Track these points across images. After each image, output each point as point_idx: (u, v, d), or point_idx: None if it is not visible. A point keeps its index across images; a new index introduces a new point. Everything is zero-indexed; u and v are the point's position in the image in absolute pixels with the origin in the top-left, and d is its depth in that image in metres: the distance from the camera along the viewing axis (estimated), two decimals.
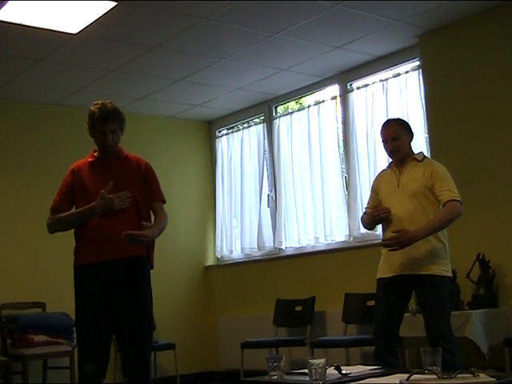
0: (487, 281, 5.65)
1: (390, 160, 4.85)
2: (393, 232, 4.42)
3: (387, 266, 4.58)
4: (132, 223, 4.02)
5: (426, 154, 6.20)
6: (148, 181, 4.22)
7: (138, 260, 4.10)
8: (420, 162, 4.67)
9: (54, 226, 4.11)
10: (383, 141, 4.75)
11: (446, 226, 4.51)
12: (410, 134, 4.77)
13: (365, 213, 4.88)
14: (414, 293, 4.68)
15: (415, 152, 4.76)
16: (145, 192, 4.15)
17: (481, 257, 5.66)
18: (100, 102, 4.13)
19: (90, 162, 4.18)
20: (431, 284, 4.47)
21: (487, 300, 5.61)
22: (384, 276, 4.60)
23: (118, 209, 3.95)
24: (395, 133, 4.69)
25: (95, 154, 4.20)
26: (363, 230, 5.80)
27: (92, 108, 4.11)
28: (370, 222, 4.76)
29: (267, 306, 7.32)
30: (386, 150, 4.77)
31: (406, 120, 6.38)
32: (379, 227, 5.03)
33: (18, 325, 6.67)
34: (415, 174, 4.61)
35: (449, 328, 4.48)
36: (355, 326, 6.59)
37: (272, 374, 3.38)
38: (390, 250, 4.46)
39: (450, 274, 4.59)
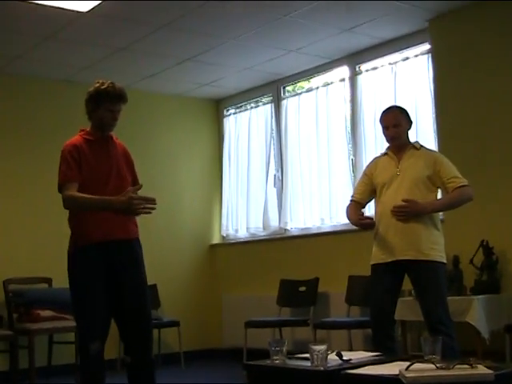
0: (490, 267, 5.68)
1: (387, 146, 4.87)
2: (403, 201, 4.46)
3: (383, 251, 4.61)
4: None
5: (433, 138, 6.30)
6: (133, 166, 4.22)
7: (138, 241, 4.15)
8: (418, 149, 4.72)
9: (71, 204, 3.96)
10: (384, 127, 4.78)
11: (456, 206, 4.63)
12: (409, 121, 4.81)
13: (352, 201, 4.89)
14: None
15: (411, 140, 4.81)
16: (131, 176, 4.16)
17: (484, 243, 5.69)
18: (106, 81, 4.08)
19: (87, 139, 4.08)
20: (430, 269, 4.53)
21: (490, 286, 5.64)
22: (381, 261, 4.62)
23: (134, 213, 3.90)
24: (396, 119, 4.73)
25: (87, 133, 4.13)
26: (367, 213, 5.78)
27: (101, 86, 4.05)
28: (353, 221, 4.76)
29: (271, 286, 7.37)
30: (386, 136, 4.79)
31: (414, 104, 6.48)
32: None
33: (25, 299, 6.74)
34: (416, 162, 4.64)
35: (447, 312, 4.54)
36: (358, 308, 6.64)
37: (274, 358, 3.43)
38: (397, 220, 4.49)
39: (445, 261, 4.64)
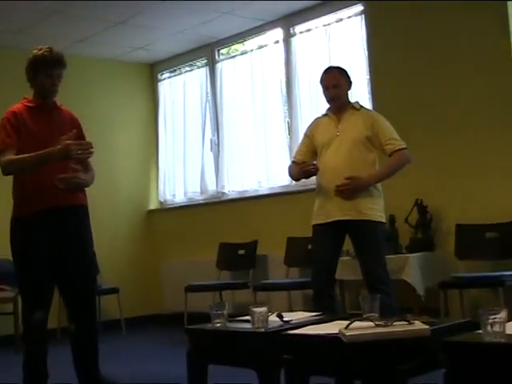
0: (425, 225, 5.82)
1: (328, 107, 4.88)
2: (346, 178, 4.50)
3: (324, 211, 4.65)
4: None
5: (367, 99, 6.35)
6: (81, 136, 4.16)
7: (85, 208, 4.12)
8: (358, 110, 4.74)
9: (10, 168, 3.90)
10: (324, 87, 4.79)
11: (396, 172, 4.67)
12: (349, 82, 4.82)
13: (293, 162, 4.90)
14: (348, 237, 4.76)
15: (351, 101, 4.82)
16: None
17: (419, 202, 5.81)
18: (44, 46, 4.04)
19: (29, 106, 4.05)
20: (369, 229, 4.59)
21: (424, 244, 5.79)
22: (321, 222, 4.67)
23: (75, 157, 3.84)
24: (336, 79, 4.75)
25: (29, 100, 4.09)
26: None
27: (38, 52, 4.01)
28: (297, 175, 4.79)
29: (210, 250, 7.38)
30: (326, 97, 4.80)
31: (349, 65, 6.50)
32: None
33: None
34: (355, 122, 4.67)
35: (385, 271, 4.63)
36: (297, 270, 6.72)
37: (215, 321, 3.44)
38: (342, 197, 4.53)
39: (384, 220, 4.73)
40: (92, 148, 3.86)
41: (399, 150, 4.59)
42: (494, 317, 2.45)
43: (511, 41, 5.56)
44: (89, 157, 3.92)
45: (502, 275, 5.18)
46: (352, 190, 4.51)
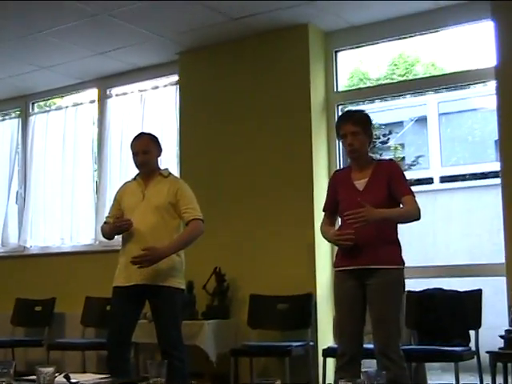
0: (221, 293, 6.00)
1: (137, 172, 4.96)
2: (142, 250, 4.53)
3: (125, 274, 4.69)
4: None
5: (176, 167, 6.52)
6: None
7: None
8: (166, 177, 4.85)
9: None
10: (134, 153, 4.86)
11: (191, 243, 4.73)
12: (159, 149, 4.92)
13: (105, 222, 4.93)
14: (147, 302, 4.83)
15: (161, 168, 4.94)
16: None
17: (217, 270, 5.99)
18: None
19: None
20: (167, 295, 4.66)
21: (220, 311, 5.96)
22: (121, 284, 4.71)
23: None
24: (147, 146, 4.83)
25: None
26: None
27: None
28: (110, 232, 4.83)
29: (6, 305, 7.17)
30: (135, 162, 4.86)
31: (161, 132, 6.68)
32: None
33: None
34: (160, 189, 4.77)
35: (180, 337, 4.70)
36: (93, 330, 6.67)
37: (0, 380, 3.38)
38: (139, 267, 4.57)
39: (184, 287, 4.83)
40: None
41: (194, 219, 4.71)
42: None
43: (311, 102, 6.02)
44: None
45: (289, 345, 5.44)
46: (148, 261, 4.54)
